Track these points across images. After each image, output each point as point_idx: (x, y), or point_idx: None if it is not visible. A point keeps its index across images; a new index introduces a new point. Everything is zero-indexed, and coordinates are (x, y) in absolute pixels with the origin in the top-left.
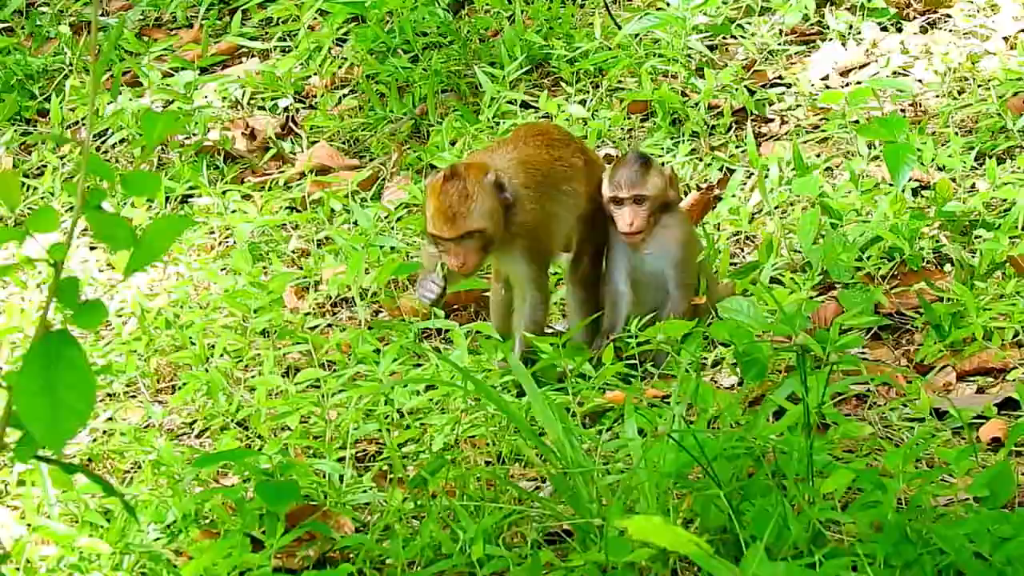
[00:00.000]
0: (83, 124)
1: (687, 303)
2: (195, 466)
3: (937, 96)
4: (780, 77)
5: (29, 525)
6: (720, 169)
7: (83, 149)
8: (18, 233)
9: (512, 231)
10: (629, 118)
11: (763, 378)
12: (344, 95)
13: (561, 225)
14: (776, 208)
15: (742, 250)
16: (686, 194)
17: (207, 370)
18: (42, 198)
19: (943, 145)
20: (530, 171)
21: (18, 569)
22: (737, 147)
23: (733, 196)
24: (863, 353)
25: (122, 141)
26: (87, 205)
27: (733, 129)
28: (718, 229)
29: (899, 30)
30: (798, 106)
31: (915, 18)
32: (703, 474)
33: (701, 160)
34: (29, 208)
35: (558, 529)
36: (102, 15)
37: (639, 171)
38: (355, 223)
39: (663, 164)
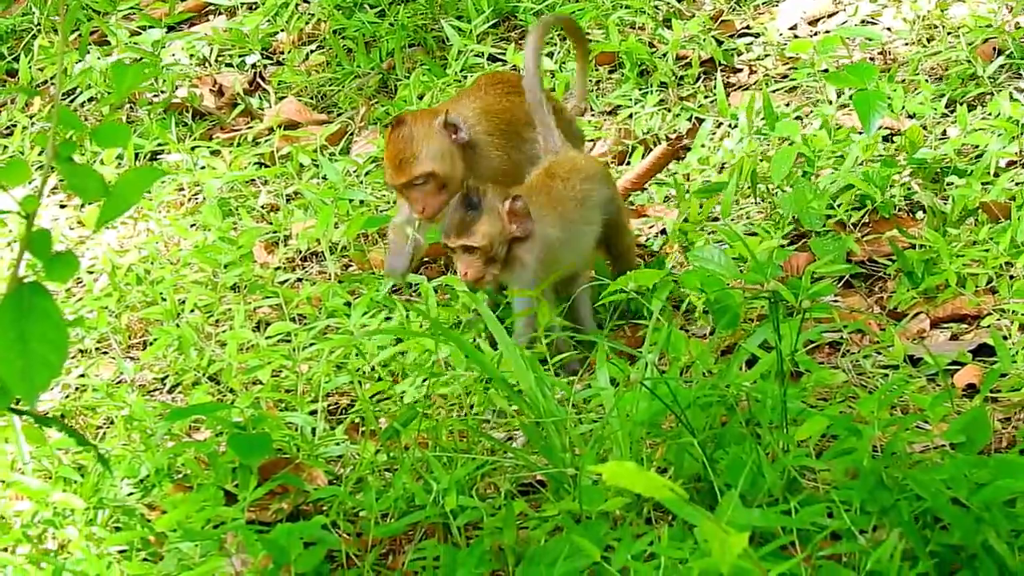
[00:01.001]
0: (52, 82)
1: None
2: (167, 420)
3: (906, 44)
4: (748, 27)
5: (2, 481)
6: (689, 119)
7: (54, 102)
8: None
9: (483, 177)
10: (597, 69)
11: (735, 327)
12: (311, 51)
13: (526, 172)
14: (747, 157)
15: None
16: (655, 144)
17: (178, 325)
18: (11, 157)
19: (913, 93)
20: (492, 118)
21: None
22: (706, 97)
23: (702, 146)
24: (836, 301)
25: (90, 99)
26: (58, 157)
27: (702, 79)
28: (687, 179)
29: None
30: (767, 56)
31: None
32: (676, 423)
33: (670, 111)
34: None
35: (531, 480)
36: None
37: (465, 218)
38: (324, 177)
39: (502, 200)
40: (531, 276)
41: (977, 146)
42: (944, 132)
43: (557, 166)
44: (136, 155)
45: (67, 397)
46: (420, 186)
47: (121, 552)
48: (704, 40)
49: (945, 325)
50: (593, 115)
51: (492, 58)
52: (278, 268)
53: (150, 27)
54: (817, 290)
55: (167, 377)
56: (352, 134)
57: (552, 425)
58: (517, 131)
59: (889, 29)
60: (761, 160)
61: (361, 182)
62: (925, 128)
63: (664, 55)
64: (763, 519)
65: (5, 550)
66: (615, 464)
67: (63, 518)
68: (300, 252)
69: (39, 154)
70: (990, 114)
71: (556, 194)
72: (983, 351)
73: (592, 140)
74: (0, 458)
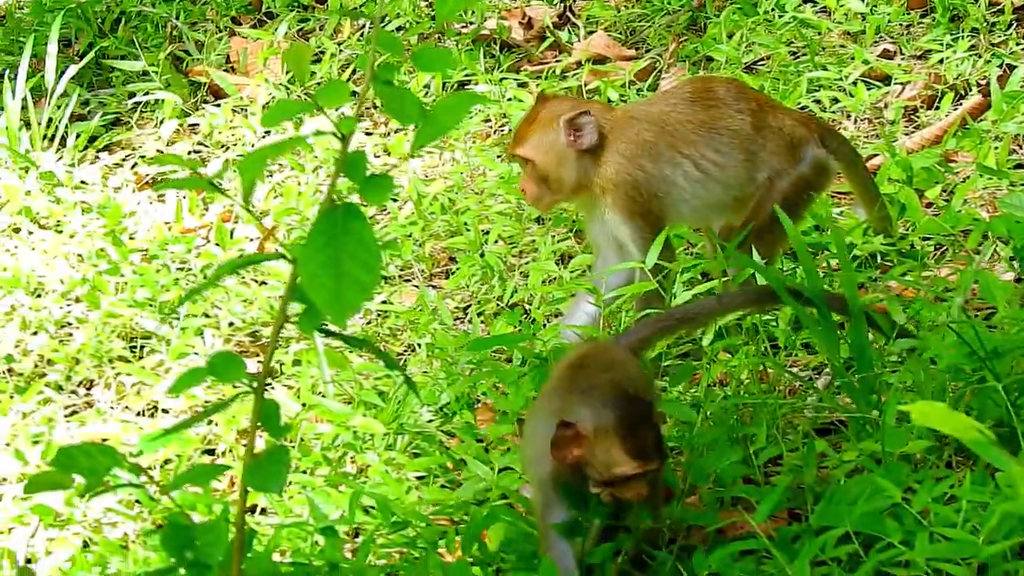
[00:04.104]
0: (362, 9)
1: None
2: (470, 349)
3: None
4: None
5: (304, 404)
6: (1000, 66)
7: (373, 23)
8: (307, 106)
9: (598, 184)
10: (908, 13)
11: None
12: None
13: (682, 191)
14: None
15: (1020, 147)
16: (965, 90)
17: (482, 255)
18: (319, 83)
19: None
20: (644, 127)
21: (292, 446)
22: (1017, 44)
23: (1012, 95)
24: None
25: (399, 29)
26: (376, 79)
27: (1014, 26)
28: (995, 124)
29: None
30: None
31: None
32: (980, 368)
33: (980, 56)
34: (305, 93)
35: (832, 421)
36: None
37: None
38: None
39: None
40: None
41: None
42: None
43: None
44: (444, 85)
45: (368, 323)
46: (524, 165)
47: (419, 478)
48: None
49: None
50: (903, 59)
51: None
52: None
53: None
54: None
55: (469, 307)
56: (660, 71)
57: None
58: (673, 146)
59: None
60: None
61: None
62: None
63: (976, 1)
64: None
65: (305, 472)
66: (923, 404)
67: (363, 442)
68: None
69: (348, 79)
70: None
71: None
72: None
73: (901, 84)
74: (302, 381)
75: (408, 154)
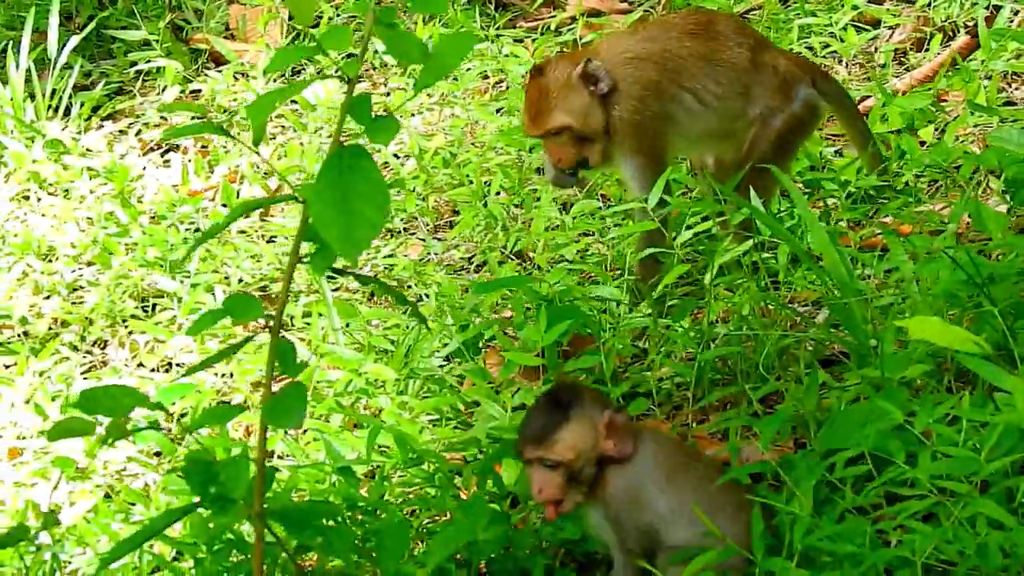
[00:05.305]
0: None
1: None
2: (475, 292)
3: None
4: None
5: (316, 352)
6: (987, 7)
7: None
8: (312, 49)
9: (616, 127)
10: None
11: None
12: None
13: (681, 126)
14: None
15: (1009, 85)
16: (954, 32)
17: (485, 206)
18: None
19: None
20: (647, 66)
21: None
22: None
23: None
24: None
25: None
26: (379, 22)
27: None
28: (984, 65)
29: None
30: None
31: None
32: (976, 294)
33: None
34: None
35: (833, 353)
36: None
37: (549, 423)
38: None
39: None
40: (617, 512)
41: None
42: None
43: None
44: None
45: (376, 276)
46: (555, 137)
47: (431, 421)
48: None
49: None
50: (892, 3)
51: None
52: None
53: None
54: None
55: (473, 256)
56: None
57: (854, 299)
58: (676, 80)
59: None
60: None
61: None
62: None
63: None
64: None
65: (320, 417)
66: (921, 319)
67: (375, 388)
68: None
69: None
70: None
71: None
72: None
73: (891, 28)
74: (312, 332)
75: (413, 93)
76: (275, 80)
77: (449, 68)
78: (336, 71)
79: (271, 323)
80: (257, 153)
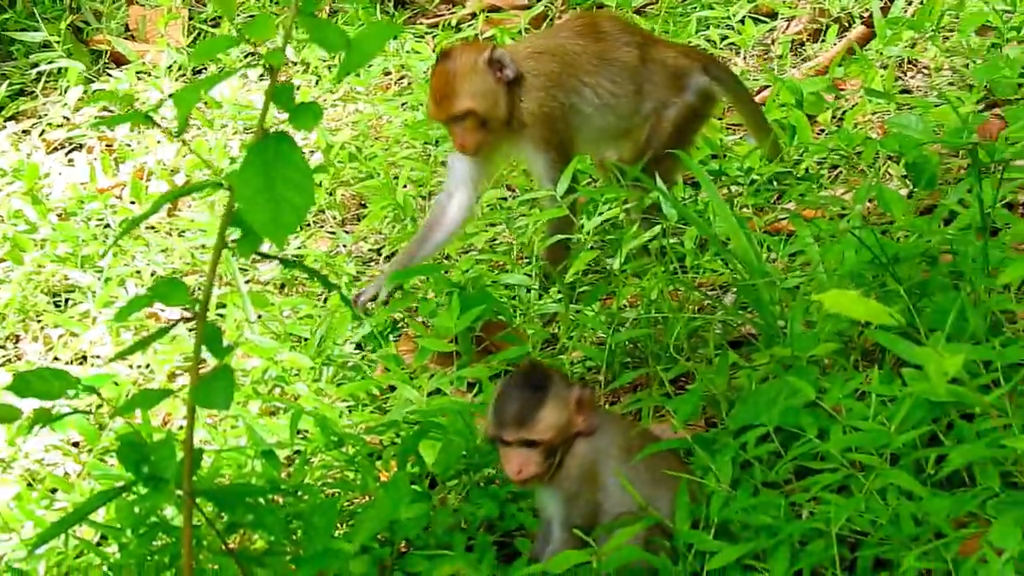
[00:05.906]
0: None
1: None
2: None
3: None
4: None
5: (234, 343)
6: None
7: None
8: (236, 40)
9: (521, 119)
10: None
11: (933, 187)
12: None
13: (584, 120)
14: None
15: (904, 73)
16: (849, 23)
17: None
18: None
19: None
20: (547, 59)
21: None
22: None
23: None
24: None
25: None
26: (301, 12)
27: None
28: (880, 54)
29: None
30: None
31: None
32: (881, 274)
33: None
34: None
35: (743, 335)
36: None
37: (527, 405)
38: None
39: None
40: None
41: None
42: None
43: None
44: None
45: (285, 269)
46: (460, 122)
47: (348, 406)
48: None
49: None
50: None
51: None
52: None
53: None
54: (1016, 150)
55: (383, 248)
56: (553, 18)
57: (762, 281)
58: (574, 74)
59: None
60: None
61: None
62: None
63: None
64: (972, 353)
65: (238, 403)
66: (836, 292)
67: (291, 375)
68: None
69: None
70: None
71: None
72: None
73: (787, 19)
74: (227, 322)
75: (335, 80)
76: (178, 79)
77: (370, 56)
78: (259, 59)
79: (195, 310)
80: (184, 142)
